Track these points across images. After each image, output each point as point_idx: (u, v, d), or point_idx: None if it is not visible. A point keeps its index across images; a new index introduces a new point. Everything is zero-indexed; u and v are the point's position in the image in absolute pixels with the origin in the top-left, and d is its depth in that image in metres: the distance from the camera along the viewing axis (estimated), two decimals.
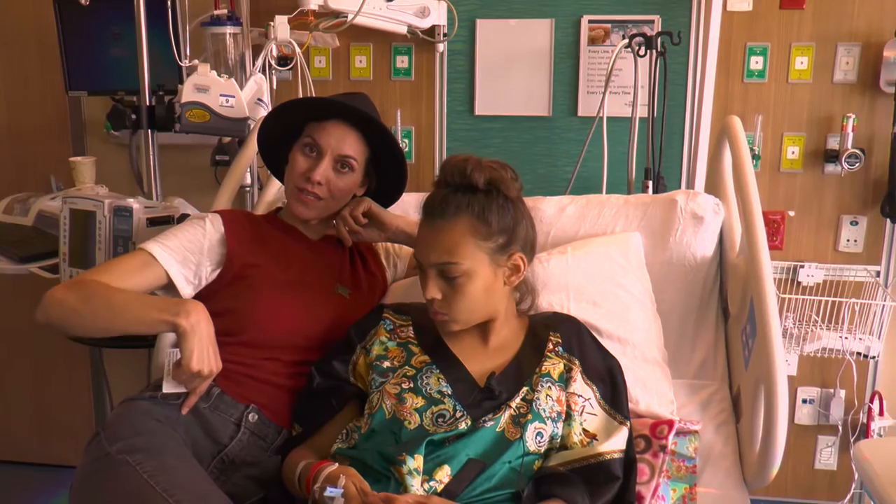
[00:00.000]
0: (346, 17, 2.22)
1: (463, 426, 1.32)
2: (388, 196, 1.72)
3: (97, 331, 1.45)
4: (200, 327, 1.39)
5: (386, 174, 1.68)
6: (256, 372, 1.50)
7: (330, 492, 1.20)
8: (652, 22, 2.47)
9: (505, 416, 1.34)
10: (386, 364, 1.44)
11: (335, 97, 1.62)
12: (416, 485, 1.24)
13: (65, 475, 2.89)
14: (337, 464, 1.29)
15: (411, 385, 1.38)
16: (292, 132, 1.61)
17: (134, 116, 2.13)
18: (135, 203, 1.85)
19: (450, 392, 1.37)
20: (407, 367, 1.42)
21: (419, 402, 1.35)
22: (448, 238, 1.36)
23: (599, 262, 1.72)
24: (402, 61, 2.61)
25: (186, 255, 1.53)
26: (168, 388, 1.44)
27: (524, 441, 1.32)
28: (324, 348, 1.52)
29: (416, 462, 1.26)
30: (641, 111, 2.33)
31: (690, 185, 2.39)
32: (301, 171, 1.57)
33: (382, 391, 1.39)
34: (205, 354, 1.39)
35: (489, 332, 1.46)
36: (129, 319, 1.42)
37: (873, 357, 2.37)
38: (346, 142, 1.57)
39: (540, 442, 1.34)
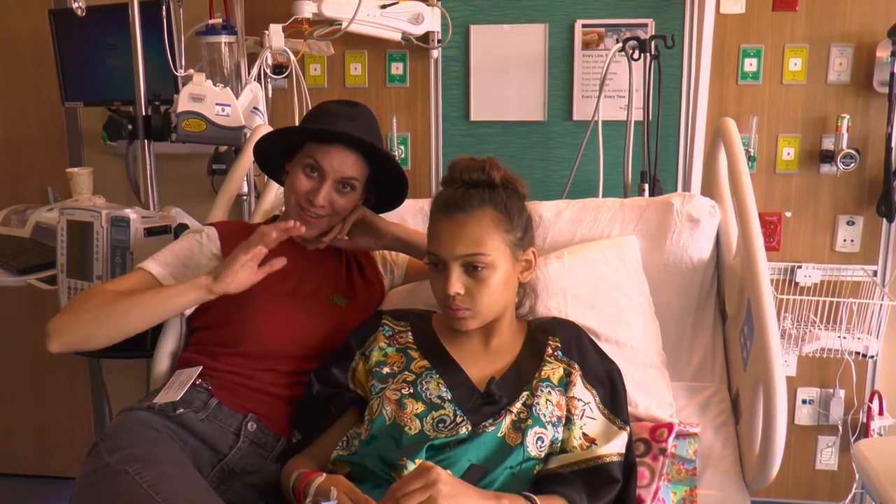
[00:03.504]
0: (341, 24, 2.23)
1: (463, 431, 1.32)
2: (388, 204, 1.72)
3: (126, 325, 1.44)
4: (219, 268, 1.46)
5: (386, 186, 1.68)
6: (253, 382, 1.51)
7: None
8: (645, 25, 2.48)
9: (506, 422, 1.34)
10: (385, 370, 1.44)
11: (335, 109, 1.61)
12: None
13: (65, 487, 2.88)
14: (324, 474, 1.29)
15: (411, 391, 1.38)
16: (292, 145, 1.61)
17: (130, 127, 2.13)
18: (132, 213, 1.85)
19: (450, 397, 1.37)
20: (406, 372, 1.42)
21: (419, 407, 1.35)
22: (474, 230, 1.37)
23: (597, 266, 1.72)
24: (396, 68, 2.62)
25: (184, 271, 1.54)
26: (161, 398, 1.45)
27: (525, 446, 1.32)
28: (321, 358, 1.53)
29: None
30: (636, 114, 2.34)
31: (687, 187, 2.40)
32: (303, 191, 1.57)
33: (382, 397, 1.39)
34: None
35: (492, 333, 1.46)
36: (159, 307, 1.44)
37: (872, 356, 2.37)
38: (347, 164, 1.56)
39: (541, 447, 1.34)
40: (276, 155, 1.65)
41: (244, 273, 1.44)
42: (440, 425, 1.34)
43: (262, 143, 1.65)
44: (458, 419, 1.34)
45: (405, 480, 1.16)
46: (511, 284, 1.44)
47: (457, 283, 1.37)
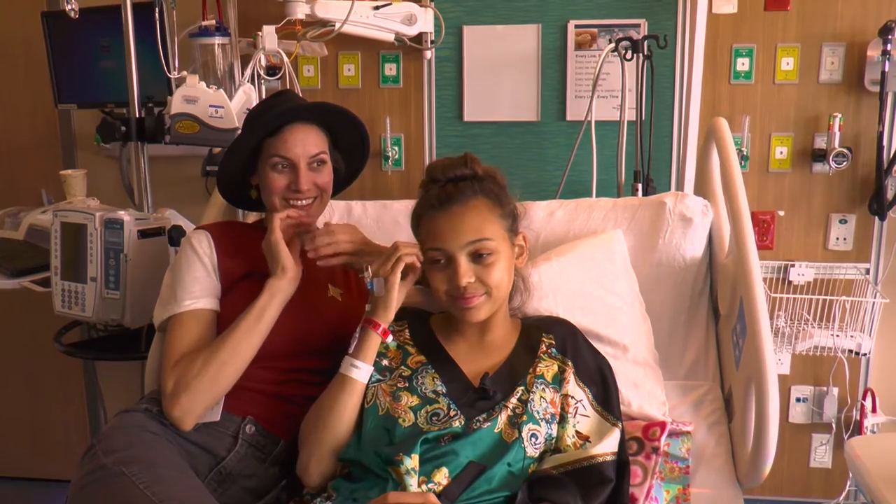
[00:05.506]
0: (334, 25, 2.23)
1: (457, 424, 1.34)
2: (356, 163, 1.75)
3: (240, 364, 1.47)
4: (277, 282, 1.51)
5: (347, 143, 1.69)
6: (250, 382, 1.51)
7: None
8: (638, 26, 2.49)
9: (502, 418, 1.36)
10: (385, 362, 1.46)
11: (268, 103, 1.63)
12: (413, 484, 1.26)
13: (60, 490, 2.87)
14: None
15: (406, 385, 1.40)
16: (247, 158, 1.61)
17: (124, 129, 2.13)
18: (126, 215, 1.86)
19: (444, 391, 1.39)
20: (403, 367, 1.44)
21: (414, 400, 1.37)
22: (474, 218, 1.39)
23: (584, 266, 1.73)
24: (390, 69, 2.62)
25: (212, 288, 1.56)
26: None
27: (521, 441, 1.34)
28: (317, 354, 1.53)
29: (412, 462, 1.27)
30: (629, 114, 2.34)
31: (679, 187, 2.40)
32: (283, 186, 1.57)
33: (377, 388, 1.41)
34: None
35: (488, 328, 1.47)
36: (258, 329, 1.48)
37: (865, 354, 2.38)
38: (309, 142, 1.58)
39: (535, 444, 1.35)
40: (238, 176, 1.65)
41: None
42: (434, 418, 1.35)
43: (223, 172, 1.64)
44: (452, 413, 1.36)
45: (404, 495, 1.20)
46: (511, 270, 1.46)
47: (468, 272, 1.38)
